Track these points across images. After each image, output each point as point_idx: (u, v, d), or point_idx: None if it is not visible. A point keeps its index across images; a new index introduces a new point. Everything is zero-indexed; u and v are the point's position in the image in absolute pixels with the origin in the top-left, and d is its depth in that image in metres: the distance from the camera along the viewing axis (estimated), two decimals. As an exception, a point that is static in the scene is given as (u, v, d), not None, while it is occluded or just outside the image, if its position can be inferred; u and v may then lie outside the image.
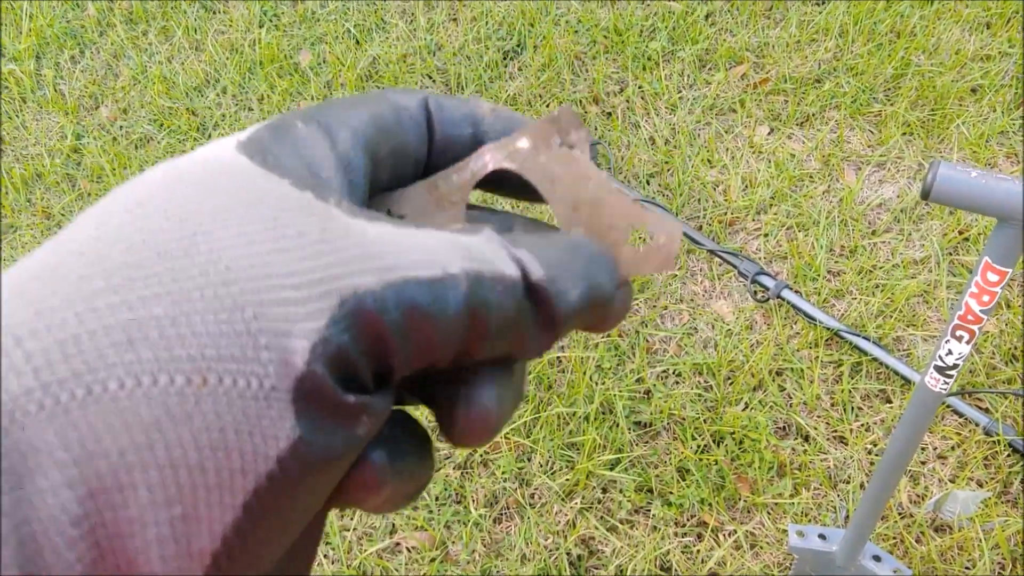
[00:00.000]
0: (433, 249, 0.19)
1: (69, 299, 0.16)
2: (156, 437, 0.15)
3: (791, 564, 1.40)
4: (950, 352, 0.91)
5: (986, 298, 0.84)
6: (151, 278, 0.16)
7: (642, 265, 0.24)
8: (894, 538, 1.43)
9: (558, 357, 1.70)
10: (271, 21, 2.51)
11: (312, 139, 0.21)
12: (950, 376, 0.93)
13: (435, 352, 0.19)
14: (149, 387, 0.15)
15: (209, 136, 2.26)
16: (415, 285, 0.18)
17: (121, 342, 0.15)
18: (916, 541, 1.42)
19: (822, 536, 1.26)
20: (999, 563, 1.40)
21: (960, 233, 1.83)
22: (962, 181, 0.75)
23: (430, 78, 2.32)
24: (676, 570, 1.42)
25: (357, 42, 2.42)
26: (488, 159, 0.24)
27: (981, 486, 1.49)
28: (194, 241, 0.17)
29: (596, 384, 1.63)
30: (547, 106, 2.21)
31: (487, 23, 2.38)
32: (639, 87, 2.21)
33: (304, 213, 0.18)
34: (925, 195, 0.77)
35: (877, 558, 1.22)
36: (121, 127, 2.32)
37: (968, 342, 0.88)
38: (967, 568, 1.39)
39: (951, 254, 1.81)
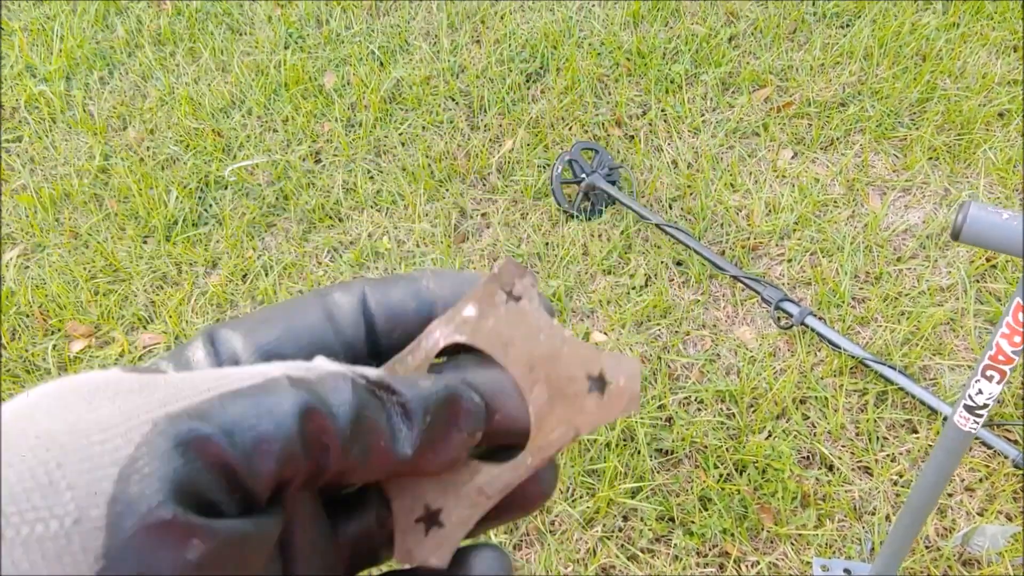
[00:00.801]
0: (253, 369, 0.20)
1: None
2: None
3: (815, 597, 1.38)
4: (980, 392, 0.90)
5: (1018, 339, 0.83)
6: None
7: (608, 412, 0.24)
8: (920, 572, 1.41)
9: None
10: (296, 43, 2.53)
11: (194, 351, 0.23)
12: (980, 415, 0.92)
13: (281, 454, 0.19)
14: None
15: (234, 157, 2.28)
16: (233, 394, 0.19)
17: None
18: (943, 576, 1.40)
19: (847, 571, 1.24)
20: (1029, 600, 1.37)
21: (987, 260, 1.81)
22: (993, 223, 0.74)
23: (453, 100, 2.33)
24: (698, 602, 1.40)
25: (381, 64, 2.44)
26: (438, 335, 0.24)
27: (1010, 520, 1.46)
28: (24, 433, 0.18)
29: (618, 411, 1.62)
30: (569, 129, 2.21)
31: (510, 45, 2.40)
32: (662, 110, 2.21)
33: (130, 383, 0.19)
34: (955, 235, 0.76)
35: (904, 595, 1.20)
36: (148, 148, 2.35)
37: (999, 382, 0.87)
38: (996, 605, 1.36)
39: (978, 281, 1.79)
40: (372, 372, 0.22)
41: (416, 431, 0.22)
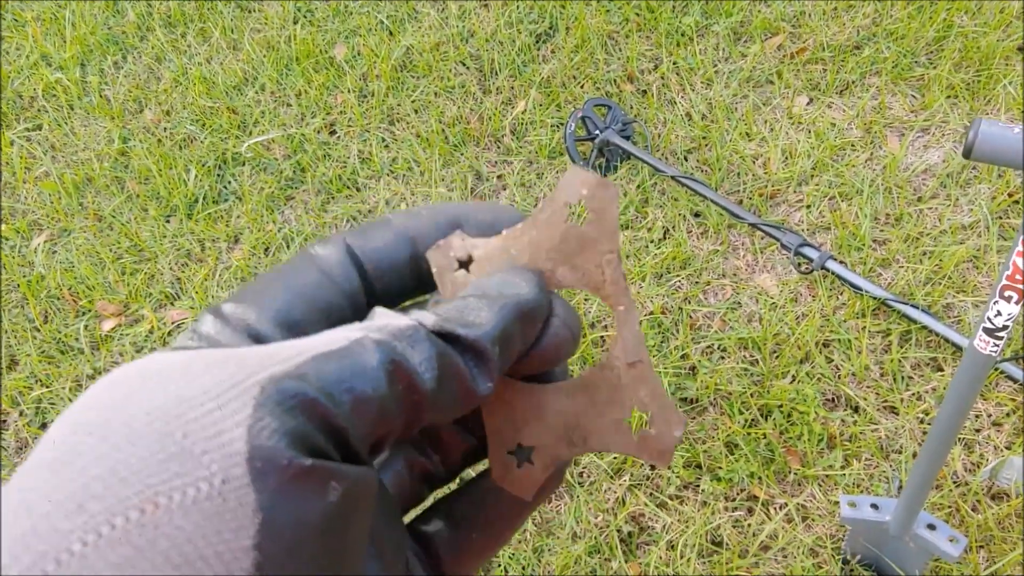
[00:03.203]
0: (333, 334, 0.21)
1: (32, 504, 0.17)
2: (130, 572, 0.16)
3: (844, 535, 1.39)
4: (999, 313, 0.89)
5: (1034, 257, 0.83)
6: (91, 453, 0.17)
7: (633, 449, 0.27)
8: (949, 507, 1.41)
9: (602, 336, 1.71)
10: (305, 17, 2.54)
11: (207, 326, 0.24)
12: (1000, 338, 0.91)
13: (378, 413, 0.20)
14: (109, 534, 0.16)
15: (250, 133, 2.30)
16: (324, 357, 0.20)
17: (72, 510, 0.16)
18: (972, 509, 1.40)
19: (875, 506, 1.25)
20: (1060, 529, 1.37)
21: (1010, 196, 1.79)
22: (1005, 138, 0.73)
23: (463, 64, 2.33)
24: (727, 544, 1.42)
25: (390, 33, 2.44)
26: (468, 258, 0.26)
27: (1039, 452, 1.46)
28: (134, 415, 0.18)
29: (640, 362, 1.63)
30: (581, 87, 2.20)
31: (518, 7, 2.38)
32: (674, 63, 2.19)
33: (214, 356, 0.20)
34: (967, 153, 0.76)
35: (932, 527, 1.20)
36: (165, 129, 2.37)
37: (1017, 302, 0.87)
38: (1026, 535, 1.36)
39: (1001, 218, 1.77)
40: (429, 319, 0.22)
41: (492, 365, 0.23)
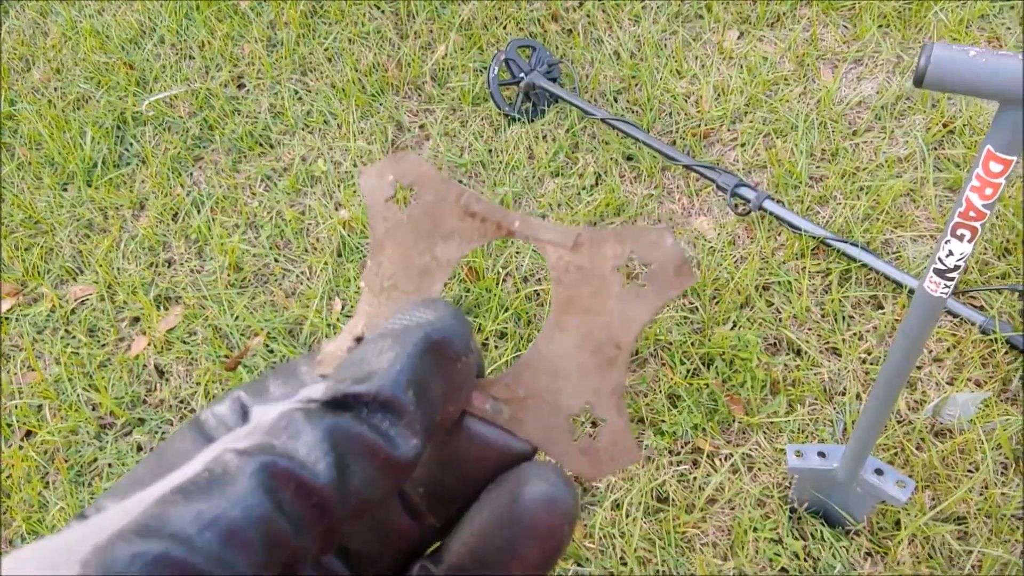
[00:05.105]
0: (189, 465, 0.18)
1: None
2: None
3: (791, 483, 1.36)
4: (950, 253, 0.84)
5: (989, 191, 0.77)
6: None
7: (577, 464, 0.25)
8: (894, 447, 1.39)
9: (536, 291, 1.63)
10: (204, -40, 2.35)
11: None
12: (951, 279, 0.86)
13: (264, 539, 0.16)
14: None
15: (151, 90, 2.13)
16: (172, 496, 0.16)
17: None
18: (917, 449, 1.38)
19: (821, 454, 1.21)
20: (1002, 463, 1.36)
21: (944, 126, 1.75)
22: (960, 62, 0.66)
23: (378, 8, 2.18)
24: (673, 500, 1.37)
25: (297, -24, 2.28)
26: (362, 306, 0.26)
27: (980, 387, 1.44)
28: None
29: (577, 316, 1.56)
30: (504, 28, 2.09)
31: (434, -56, 2.24)
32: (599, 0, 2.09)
33: (42, 546, 0.16)
34: (919, 81, 0.68)
35: (879, 472, 1.17)
36: (56, 88, 2.18)
37: (970, 240, 0.81)
38: (970, 471, 1.35)
39: (936, 148, 1.73)
40: (319, 390, 0.19)
41: (410, 418, 0.19)
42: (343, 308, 1.68)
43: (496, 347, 1.57)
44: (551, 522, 0.21)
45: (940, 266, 0.86)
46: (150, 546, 0.15)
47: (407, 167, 0.24)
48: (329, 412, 0.18)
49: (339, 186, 1.88)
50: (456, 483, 0.23)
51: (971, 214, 0.79)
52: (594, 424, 0.24)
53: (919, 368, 1.48)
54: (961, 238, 0.82)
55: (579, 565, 1.33)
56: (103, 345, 1.72)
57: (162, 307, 1.76)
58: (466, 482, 0.23)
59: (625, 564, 1.30)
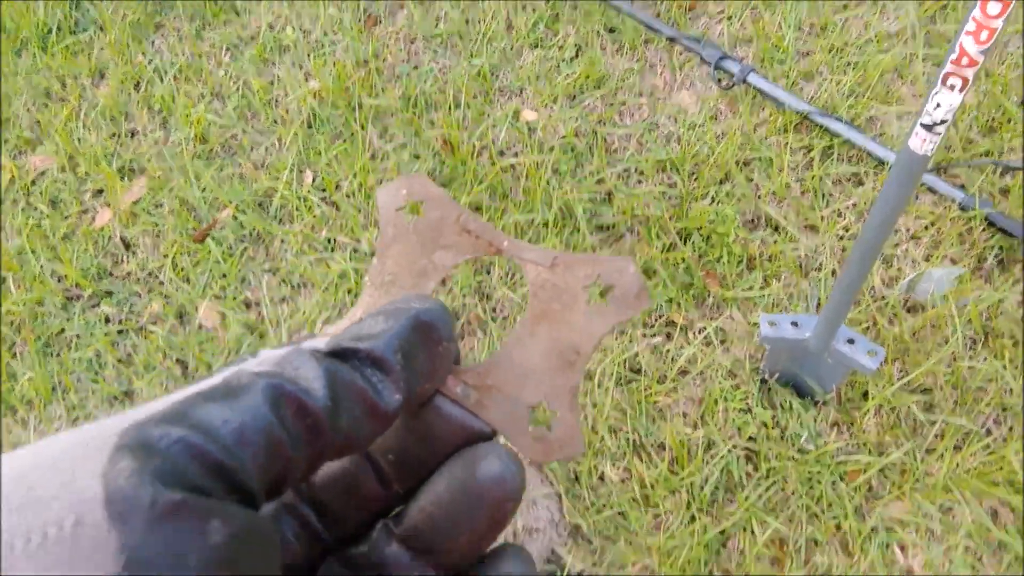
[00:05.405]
0: (211, 379, 0.20)
1: None
2: None
3: (762, 355, 1.37)
4: (938, 105, 0.81)
5: (984, 35, 0.73)
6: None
7: (529, 448, 0.29)
8: (867, 322, 1.39)
9: (512, 164, 1.59)
10: None
11: None
12: (938, 134, 0.83)
13: (267, 444, 0.19)
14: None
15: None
16: (198, 396, 0.19)
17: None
18: (889, 322, 1.39)
19: (795, 324, 1.21)
20: (971, 338, 1.37)
21: (937, 0, 1.69)
22: None
23: None
24: (646, 371, 1.38)
25: None
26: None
27: (955, 263, 1.44)
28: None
29: (554, 188, 1.53)
30: None
31: None
32: None
33: (85, 427, 0.19)
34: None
35: (851, 341, 1.17)
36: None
37: (961, 90, 0.78)
38: (940, 345, 1.36)
39: (928, 24, 1.68)
40: (320, 343, 0.22)
41: (396, 375, 0.22)
42: (313, 180, 1.63)
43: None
44: (500, 497, 0.24)
45: (927, 120, 0.83)
46: (175, 430, 0.18)
47: (419, 186, 0.28)
48: (329, 358, 0.21)
49: (309, 55, 1.80)
50: (422, 454, 0.26)
51: (964, 61, 0.75)
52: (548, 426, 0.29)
53: (896, 245, 1.47)
54: (952, 88, 0.78)
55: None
56: (66, 217, 1.67)
57: (126, 178, 1.70)
58: (431, 454, 0.26)
59: (596, 432, 1.32)
